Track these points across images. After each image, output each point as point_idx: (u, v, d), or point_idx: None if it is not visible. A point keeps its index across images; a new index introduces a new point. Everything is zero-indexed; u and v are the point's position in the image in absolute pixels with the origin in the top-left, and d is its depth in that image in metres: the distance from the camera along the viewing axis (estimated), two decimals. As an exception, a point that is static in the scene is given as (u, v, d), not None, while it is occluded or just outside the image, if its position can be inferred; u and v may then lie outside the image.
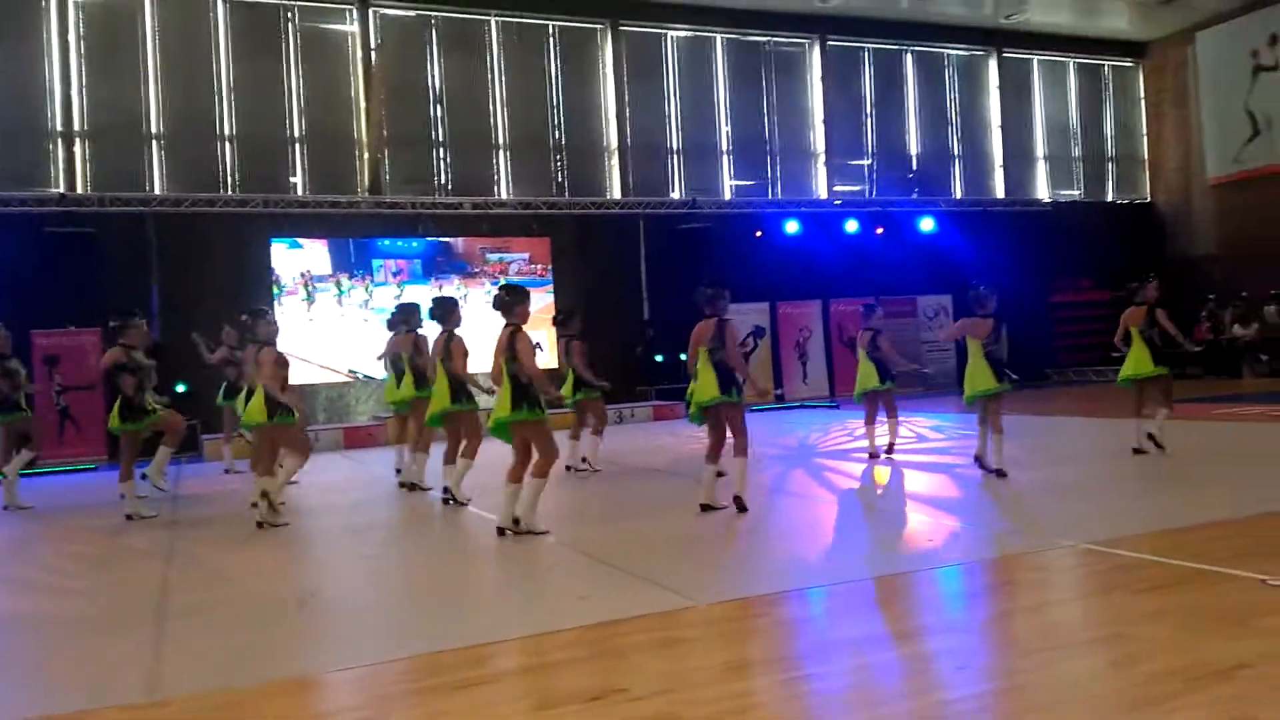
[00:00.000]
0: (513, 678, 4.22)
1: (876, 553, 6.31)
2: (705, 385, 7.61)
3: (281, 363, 8.40)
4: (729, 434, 7.79)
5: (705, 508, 7.65)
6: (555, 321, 11.27)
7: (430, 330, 9.45)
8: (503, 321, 7.25)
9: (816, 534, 7.17)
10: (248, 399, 9.24)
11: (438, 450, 9.62)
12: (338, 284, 17.87)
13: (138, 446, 9.69)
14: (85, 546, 8.30)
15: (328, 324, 17.64)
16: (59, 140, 16.76)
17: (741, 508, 7.54)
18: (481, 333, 9.74)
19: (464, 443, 8.98)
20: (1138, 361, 9.48)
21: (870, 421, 10.78)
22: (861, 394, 10.78)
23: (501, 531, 7.13)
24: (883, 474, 9.68)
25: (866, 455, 10.68)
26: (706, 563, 6.11)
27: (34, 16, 16.67)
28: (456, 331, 8.86)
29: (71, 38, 16.77)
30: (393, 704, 4.01)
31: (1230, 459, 9.37)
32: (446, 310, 8.91)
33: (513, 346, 7.07)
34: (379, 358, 11.91)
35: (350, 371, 17.78)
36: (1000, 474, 8.57)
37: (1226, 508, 6.60)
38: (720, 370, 7.58)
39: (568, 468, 10.48)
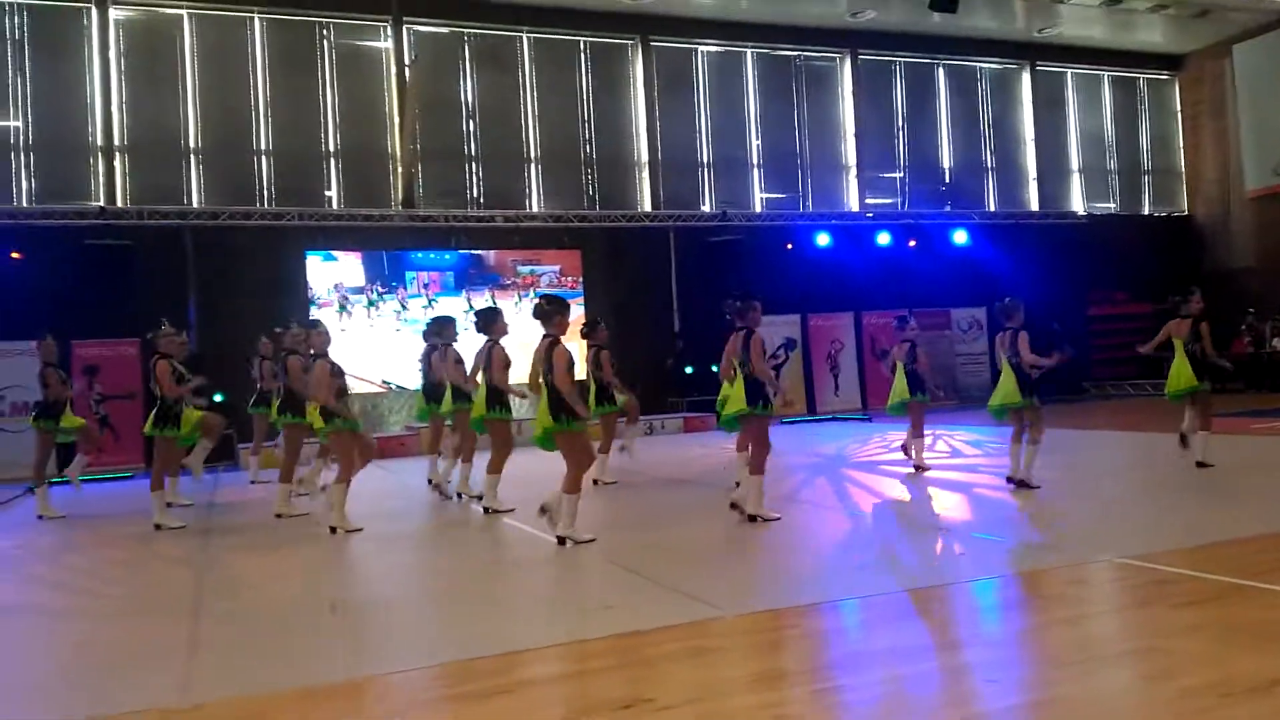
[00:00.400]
0: (542, 686, 4.22)
1: (908, 565, 6.26)
2: (734, 397, 7.73)
3: (336, 373, 8.49)
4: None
5: (751, 518, 7.63)
6: (581, 333, 11.31)
7: (472, 341, 9.52)
8: (541, 331, 7.30)
9: (847, 546, 7.12)
10: (281, 408, 9.38)
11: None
12: (368, 296, 18.03)
13: (175, 454, 9.80)
14: (119, 552, 8.40)
15: (361, 335, 17.80)
16: (99, 155, 17.07)
17: (750, 518, 7.60)
18: (513, 343, 9.77)
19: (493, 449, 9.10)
20: (1181, 375, 9.37)
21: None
22: (896, 406, 10.66)
23: (562, 541, 7.09)
24: (915, 487, 9.60)
25: (913, 468, 10.57)
26: (735, 573, 6.09)
27: (76, 34, 17.02)
28: (501, 341, 8.92)
29: (112, 55, 17.10)
30: (422, 711, 4.03)
31: (1270, 473, 9.22)
32: (489, 320, 8.97)
33: (549, 359, 7.11)
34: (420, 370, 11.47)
35: (383, 382, 17.93)
36: (1014, 482, 8.59)
37: (1265, 522, 6.49)
38: (748, 382, 7.66)
39: (594, 481, 10.45)
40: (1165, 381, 9.73)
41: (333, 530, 8.32)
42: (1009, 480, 8.72)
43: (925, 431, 10.74)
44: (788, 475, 10.54)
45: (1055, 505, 8.07)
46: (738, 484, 8.18)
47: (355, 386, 17.82)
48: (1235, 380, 20.02)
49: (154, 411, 9.37)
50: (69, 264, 15.74)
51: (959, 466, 11.04)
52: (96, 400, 15.92)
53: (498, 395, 8.84)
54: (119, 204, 16.90)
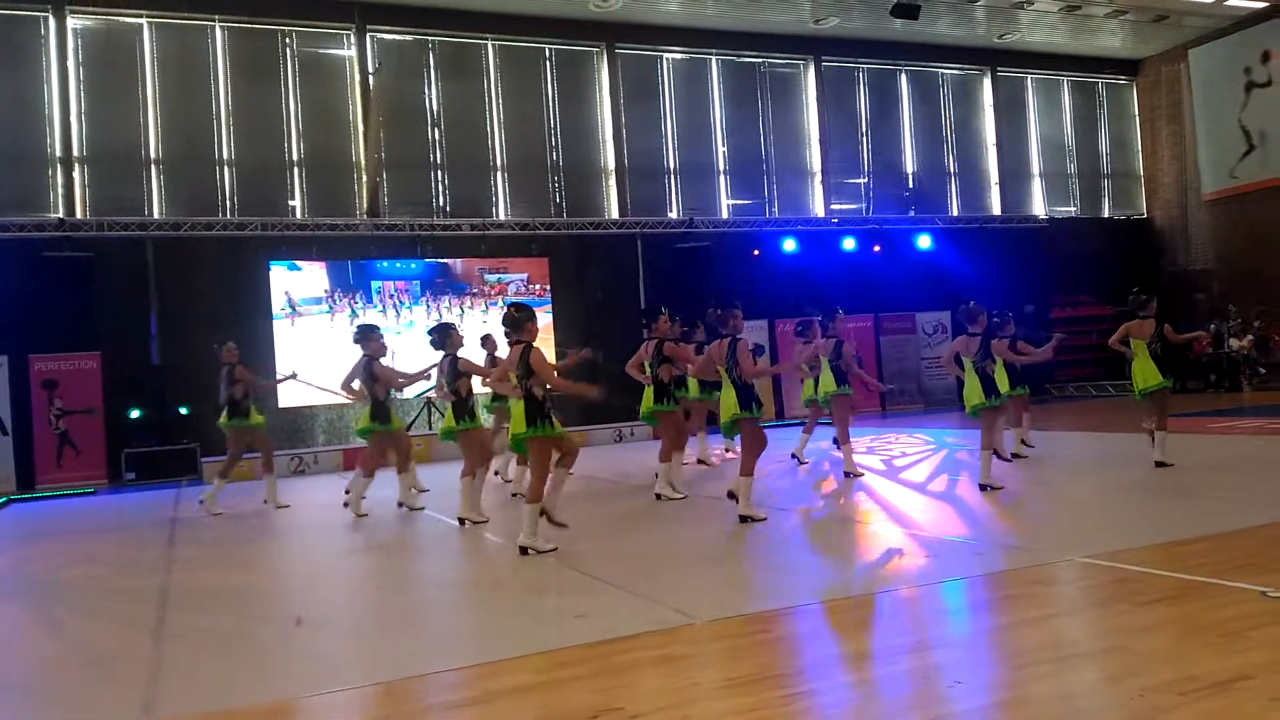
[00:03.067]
0: (511, 697, 4.20)
1: (876, 568, 6.30)
2: (727, 403, 7.93)
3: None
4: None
5: (744, 519, 7.88)
6: (643, 322, 11.23)
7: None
8: (514, 339, 7.29)
9: (816, 550, 7.16)
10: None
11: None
12: (351, 304, 17.89)
13: (402, 446, 10.16)
14: (83, 568, 8.28)
15: (327, 346, 17.65)
16: (58, 165, 16.83)
17: (742, 519, 7.87)
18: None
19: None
20: (1147, 374, 9.51)
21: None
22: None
23: (524, 551, 7.11)
24: (882, 490, 9.66)
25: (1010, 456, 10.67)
26: (705, 580, 6.10)
27: (33, 42, 16.78)
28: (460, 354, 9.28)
29: (71, 63, 16.88)
30: (390, 724, 4.00)
31: (1230, 472, 9.36)
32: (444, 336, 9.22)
33: (526, 362, 7.09)
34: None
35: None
36: (984, 488, 8.72)
37: (1226, 520, 6.59)
38: (739, 388, 7.85)
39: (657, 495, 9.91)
40: (1129, 382, 9.88)
41: (461, 522, 8.76)
42: (981, 487, 8.79)
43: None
44: (756, 480, 10.55)
45: (1020, 506, 8.15)
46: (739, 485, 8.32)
47: (321, 399, 17.74)
48: (1195, 379, 20.48)
49: (369, 408, 9.76)
50: (27, 276, 15.52)
51: (925, 466, 11.12)
52: (56, 415, 15.68)
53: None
54: (78, 215, 16.66)
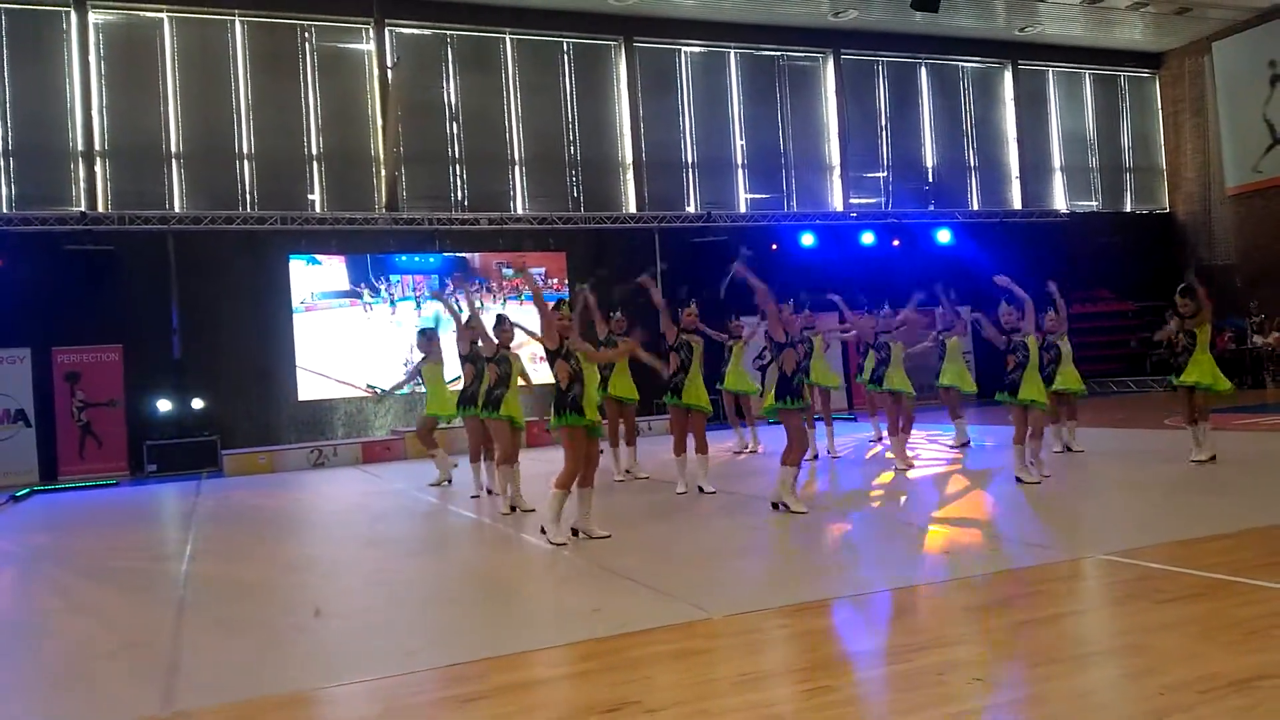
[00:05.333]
0: (526, 690, 4.21)
1: (894, 564, 6.27)
2: (766, 394, 8.22)
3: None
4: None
5: (774, 505, 8.03)
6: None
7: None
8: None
9: (834, 545, 7.13)
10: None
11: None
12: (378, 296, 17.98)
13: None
14: (103, 560, 8.34)
15: (346, 339, 17.75)
16: (80, 160, 16.96)
17: (774, 506, 8.05)
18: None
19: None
20: (1203, 370, 9.47)
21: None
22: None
23: (575, 533, 7.34)
24: (902, 485, 9.62)
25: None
26: (722, 574, 6.09)
27: (55, 38, 16.91)
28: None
29: (92, 59, 17.00)
30: (406, 717, 4.00)
31: (1254, 469, 9.28)
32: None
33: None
34: None
35: (368, 386, 17.88)
36: (1020, 480, 8.73)
37: (1249, 518, 6.52)
38: (778, 378, 8.03)
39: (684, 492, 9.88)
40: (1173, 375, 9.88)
41: (511, 509, 8.82)
42: (1019, 479, 8.77)
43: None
44: (773, 474, 10.53)
45: (1041, 502, 8.10)
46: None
47: (340, 392, 17.86)
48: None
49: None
50: (50, 269, 15.66)
51: (945, 461, 11.06)
52: (78, 407, 15.83)
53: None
54: (100, 209, 16.80)
